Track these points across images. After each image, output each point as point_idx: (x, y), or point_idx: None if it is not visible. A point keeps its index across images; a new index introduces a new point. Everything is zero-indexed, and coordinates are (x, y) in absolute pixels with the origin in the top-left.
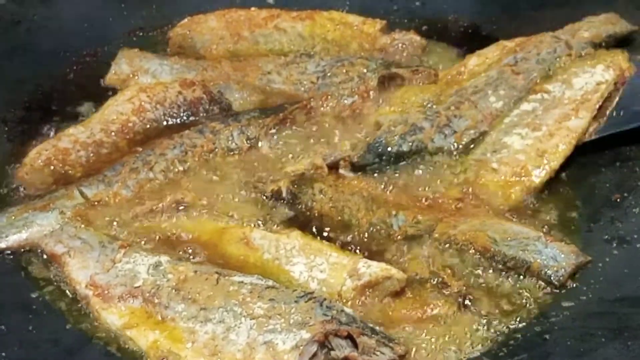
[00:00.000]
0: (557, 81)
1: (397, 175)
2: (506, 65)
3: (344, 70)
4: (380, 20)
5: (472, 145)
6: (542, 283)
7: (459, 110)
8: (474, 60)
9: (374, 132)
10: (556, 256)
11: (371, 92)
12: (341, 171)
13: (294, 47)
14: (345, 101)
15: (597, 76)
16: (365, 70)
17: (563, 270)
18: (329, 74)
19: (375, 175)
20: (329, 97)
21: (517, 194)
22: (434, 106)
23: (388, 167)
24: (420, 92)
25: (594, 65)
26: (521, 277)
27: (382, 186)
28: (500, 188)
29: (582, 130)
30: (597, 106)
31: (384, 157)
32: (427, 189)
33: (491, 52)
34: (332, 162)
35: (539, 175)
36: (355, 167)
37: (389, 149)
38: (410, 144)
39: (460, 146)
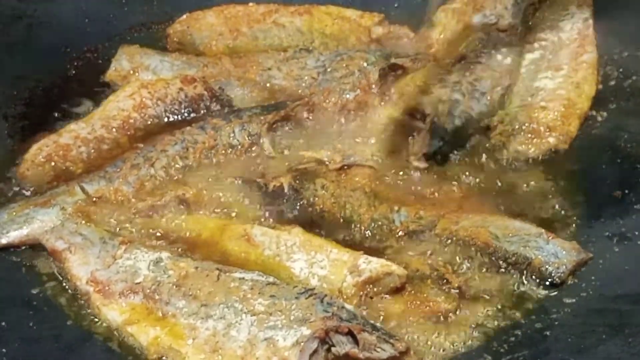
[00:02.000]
0: (544, 30)
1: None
2: (486, 24)
3: (344, 65)
4: (378, 14)
5: (506, 102)
6: (543, 279)
7: (474, 74)
8: (435, 33)
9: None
10: (557, 253)
11: (373, 85)
12: (415, 163)
13: (293, 42)
14: (347, 95)
15: (578, 15)
16: (365, 64)
17: (564, 267)
18: (329, 69)
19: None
20: (331, 92)
21: (575, 122)
22: (448, 78)
23: (454, 149)
24: (422, 74)
25: (567, 8)
26: (522, 273)
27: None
28: (558, 122)
29: (596, 61)
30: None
31: (446, 139)
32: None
33: (444, 19)
34: (349, 164)
35: (585, 101)
36: (428, 157)
37: (446, 127)
38: (460, 117)
39: (496, 104)
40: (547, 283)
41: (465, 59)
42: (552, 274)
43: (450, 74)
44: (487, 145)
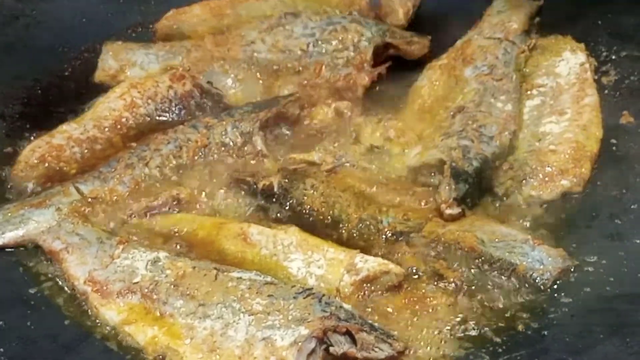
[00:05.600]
0: (541, 76)
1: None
2: (480, 75)
3: (339, 37)
4: None
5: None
6: (528, 285)
7: (478, 121)
8: (425, 90)
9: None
10: (543, 259)
11: (365, 64)
12: (448, 211)
13: (276, 12)
14: (341, 72)
15: (573, 60)
16: (358, 39)
17: (549, 273)
18: (319, 40)
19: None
20: (324, 67)
21: (587, 164)
22: (451, 128)
23: (482, 193)
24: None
25: (560, 54)
26: (507, 279)
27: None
28: (570, 165)
29: (598, 103)
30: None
31: (470, 181)
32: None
33: (433, 76)
34: (340, 164)
35: (594, 144)
36: (459, 201)
37: (467, 170)
38: (475, 159)
39: (506, 147)
40: (533, 289)
41: (465, 110)
42: (537, 281)
43: (453, 125)
44: (499, 191)
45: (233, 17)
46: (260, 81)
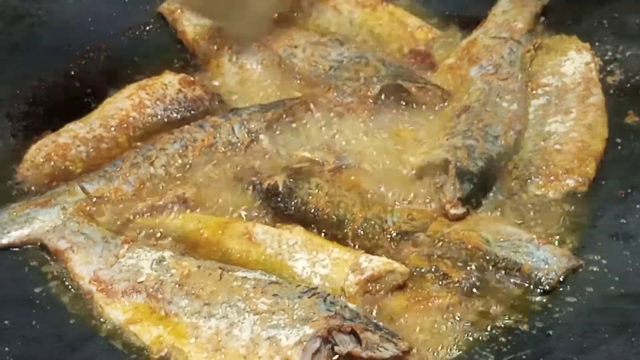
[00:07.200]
0: (546, 75)
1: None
2: (485, 75)
3: (356, 69)
4: (435, 29)
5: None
6: (533, 285)
7: (483, 121)
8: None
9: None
10: (548, 259)
11: (370, 100)
12: (453, 211)
13: (339, 30)
14: (344, 98)
15: (579, 59)
16: (371, 75)
17: (554, 273)
18: (341, 66)
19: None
20: (331, 89)
21: (592, 164)
22: (456, 128)
23: (486, 193)
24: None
25: (565, 53)
26: (512, 278)
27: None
28: (575, 164)
29: (604, 103)
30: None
31: (475, 181)
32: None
33: (439, 77)
34: (342, 165)
35: (599, 143)
36: (464, 201)
37: (472, 169)
38: (480, 158)
39: (511, 147)
40: (538, 289)
41: (470, 109)
42: (542, 280)
43: (458, 125)
44: (504, 190)
45: (305, 11)
46: (278, 80)
